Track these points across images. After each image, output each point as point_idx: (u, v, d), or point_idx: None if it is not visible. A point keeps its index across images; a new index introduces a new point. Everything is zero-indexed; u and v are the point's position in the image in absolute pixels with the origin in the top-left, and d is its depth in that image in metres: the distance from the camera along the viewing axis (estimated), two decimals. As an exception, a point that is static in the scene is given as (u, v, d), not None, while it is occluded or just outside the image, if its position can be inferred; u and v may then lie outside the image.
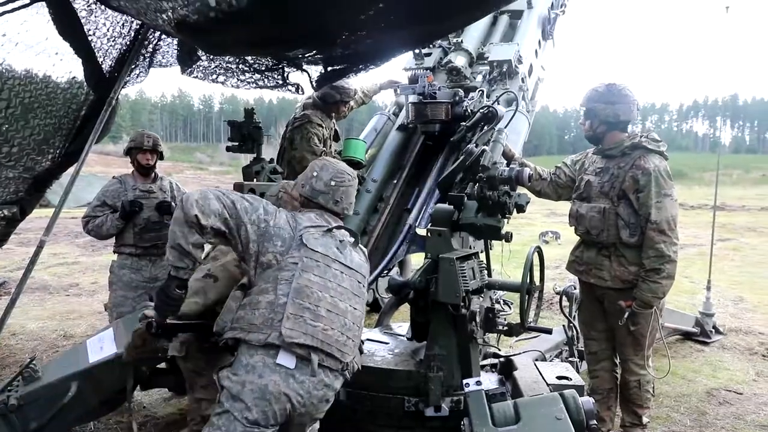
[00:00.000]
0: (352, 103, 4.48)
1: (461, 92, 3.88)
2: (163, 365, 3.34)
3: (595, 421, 2.20)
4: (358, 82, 4.38)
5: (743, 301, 6.76)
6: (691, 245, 10.88)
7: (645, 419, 3.16)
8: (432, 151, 4.04)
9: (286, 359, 1.97)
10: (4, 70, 3.58)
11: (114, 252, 4.05)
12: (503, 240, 2.74)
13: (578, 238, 3.26)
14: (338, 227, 2.25)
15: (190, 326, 2.42)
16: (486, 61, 4.20)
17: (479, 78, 4.19)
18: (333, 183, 2.30)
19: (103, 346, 3.12)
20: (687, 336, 5.23)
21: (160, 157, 4.09)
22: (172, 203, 4.00)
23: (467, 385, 2.30)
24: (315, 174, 2.33)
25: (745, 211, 19.57)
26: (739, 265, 9.31)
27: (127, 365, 2.99)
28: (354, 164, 3.68)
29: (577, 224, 3.15)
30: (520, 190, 3.28)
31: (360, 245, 2.38)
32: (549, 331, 2.84)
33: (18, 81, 3.60)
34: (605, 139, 3.08)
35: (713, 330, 5.29)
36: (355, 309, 2.20)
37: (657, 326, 3.06)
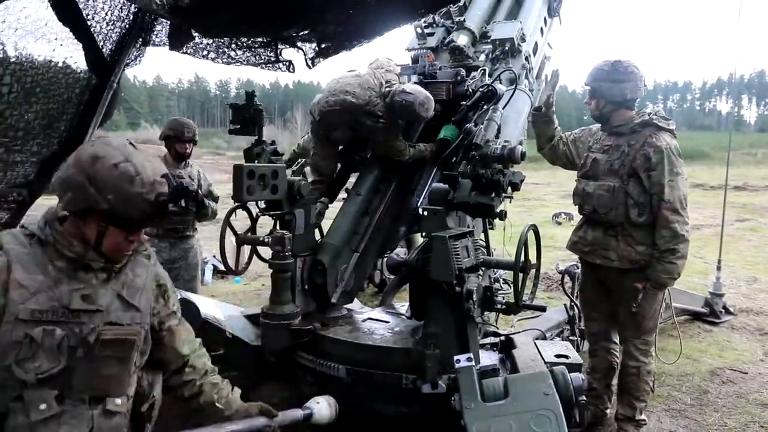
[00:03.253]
0: None
1: (463, 72, 3.85)
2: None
3: (584, 397, 2.22)
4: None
5: (757, 282, 6.66)
6: (708, 225, 10.71)
7: (640, 415, 3.05)
8: (435, 131, 4.03)
9: None
10: (5, 56, 3.65)
11: None
12: (498, 218, 2.74)
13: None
14: None
15: None
16: (489, 40, 4.16)
17: (482, 57, 4.15)
18: None
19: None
20: (696, 316, 5.19)
21: (195, 144, 4.23)
22: (199, 191, 4.16)
23: (458, 361, 2.32)
24: None
25: None
26: (757, 246, 9.15)
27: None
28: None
29: (582, 203, 3.10)
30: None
31: None
32: (543, 309, 2.84)
33: (19, 66, 3.66)
34: (612, 118, 3.02)
35: (723, 310, 5.24)
36: None
37: (660, 309, 3.01)
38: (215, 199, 4.38)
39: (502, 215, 2.69)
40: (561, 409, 2.05)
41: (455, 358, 2.34)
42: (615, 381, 3.19)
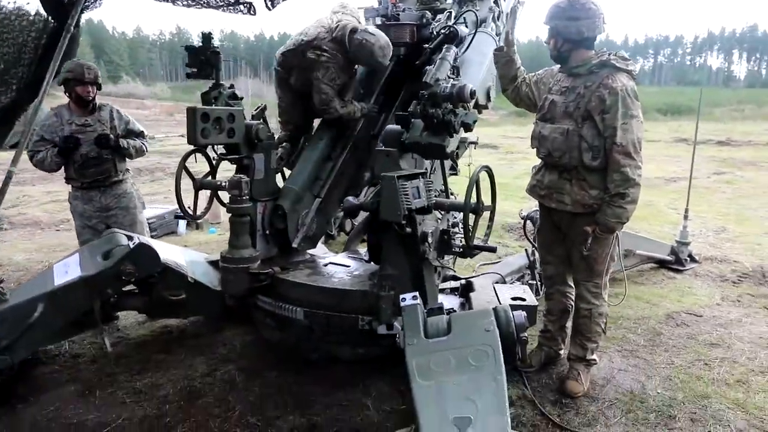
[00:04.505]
0: None
1: (429, 14, 3.76)
2: (131, 287, 3.44)
3: (525, 334, 2.26)
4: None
5: (725, 231, 6.77)
6: (685, 178, 10.77)
7: (591, 355, 3.08)
8: (401, 75, 3.96)
9: None
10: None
11: (66, 182, 4.06)
12: (450, 159, 2.72)
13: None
14: None
15: None
16: (456, -19, 4.03)
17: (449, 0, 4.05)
18: None
19: (68, 270, 3.21)
20: (661, 264, 5.28)
21: (99, 88, 3.96)
22: (110, 135, 3.91)
23: (404, 299, 2.34)
24: None
25: (750, 146, 19.22)
26: (730, 198, 9.26)
27: (92, 287, 3.10)
28: None
29: (539, 146, 3.04)
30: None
31: None
32: (493, 250, 2.85)
33: (-34, 8, 3.52)
34: (570, 58, 2.93)
35: (688, 258, 5.34)
36: None
37: (612, 253, 2.98)
38: (138, 134, 4.14)
39: (454, 156, 2.67)
40: (499, 345, 2.09)
41: (401, 296, 2.36)
42: (570, 323, 3.25)
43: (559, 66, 3.02)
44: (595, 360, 3.12)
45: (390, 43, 3.40)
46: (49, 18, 4.45)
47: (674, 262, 5.28)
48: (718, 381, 3.12)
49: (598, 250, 2.91)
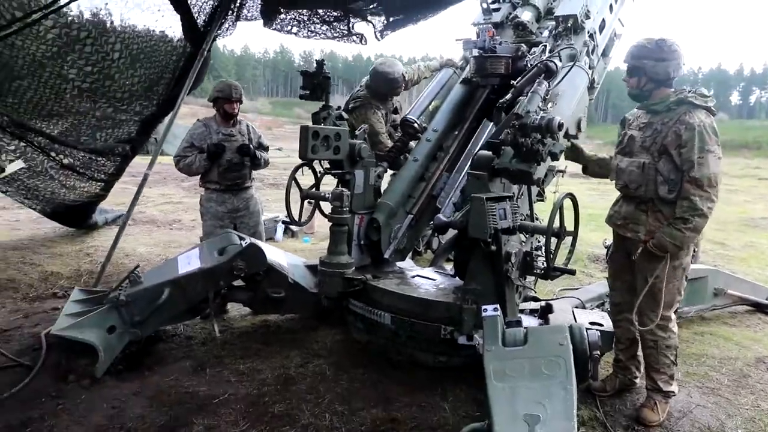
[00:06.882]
0: (414, 76, 4.98)
1: (524, 47, 3.96)
2: (240, 282, 3.88)
3: (598, 352, 2.39)
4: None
5: (837, 279, 6.30)
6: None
7: (668, 387, 3.06)
8: (495, 104, 4.18)
9: None
10: (117, 26, 4.21)
11: (200, 186, 4.65)
12: (536, 185, 2.90)
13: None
14: None
15: None
16: (553, 17, 4.22)
17: (545, 33, 4.22)
18: None
19: (190, 262, 3.70)
20: (758, 308, 5.06)
21: (240, 103, 4.60)
22: (250, 145, 4.52)
23: (485, 310, 2.55)
24: None
25: None
26: None
27: (208, 278, 3.56)
28: None
29: (617, 178, 3.15)
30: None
31: None
32: (572, 272, 2.98)
33: (128, 35, 4.21)
34: (651, 96, 3.05)
35: (788, 304, 5.07)
36: None
37: (679, 286, 3.01)
38: (266, 149, 4.77)
39: (540, 183, 2.86)
40: (572, 358, 2.25)
41: (483, 307, 2.57)
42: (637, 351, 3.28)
43: (637, 105, 3.14)
44: (673, 392, 3.12)
45: (395, 61, 4.66)
46: (187, 44, 5.15)
47: (772, 306, 5.04)
48: (808, 429, 3.03)
49: (662, 277, 2.92)
